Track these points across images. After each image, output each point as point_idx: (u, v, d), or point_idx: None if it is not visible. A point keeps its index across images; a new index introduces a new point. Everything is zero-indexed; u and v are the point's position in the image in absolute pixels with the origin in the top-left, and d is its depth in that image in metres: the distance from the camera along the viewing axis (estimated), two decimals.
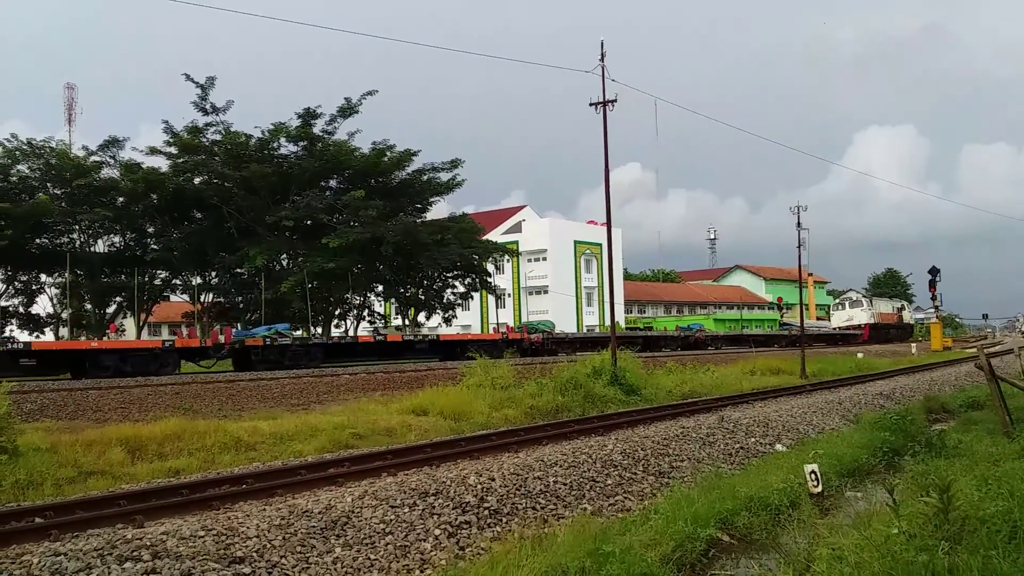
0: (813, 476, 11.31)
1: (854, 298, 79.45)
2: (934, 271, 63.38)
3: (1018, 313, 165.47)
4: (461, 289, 48.21)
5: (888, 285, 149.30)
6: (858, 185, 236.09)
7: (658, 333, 57.10)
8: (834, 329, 72.33)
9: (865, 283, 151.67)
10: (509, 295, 76.51)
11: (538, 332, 47.85)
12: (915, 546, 6.10)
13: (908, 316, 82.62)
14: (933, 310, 67.34)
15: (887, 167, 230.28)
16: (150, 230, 41.87)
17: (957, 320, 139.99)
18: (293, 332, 33.30)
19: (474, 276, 47.54)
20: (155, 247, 41.41)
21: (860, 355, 45.89)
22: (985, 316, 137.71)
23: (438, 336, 38.77)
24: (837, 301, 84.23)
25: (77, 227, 39.33)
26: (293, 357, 29.94)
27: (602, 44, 25.67)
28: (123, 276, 39.94)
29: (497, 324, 54.65)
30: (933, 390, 28.11)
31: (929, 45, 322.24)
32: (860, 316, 74.07)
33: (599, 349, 30.90)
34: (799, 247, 38.05)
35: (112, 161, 39.87)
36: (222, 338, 29.00)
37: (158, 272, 42.78)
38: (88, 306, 41.51)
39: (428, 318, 47.93)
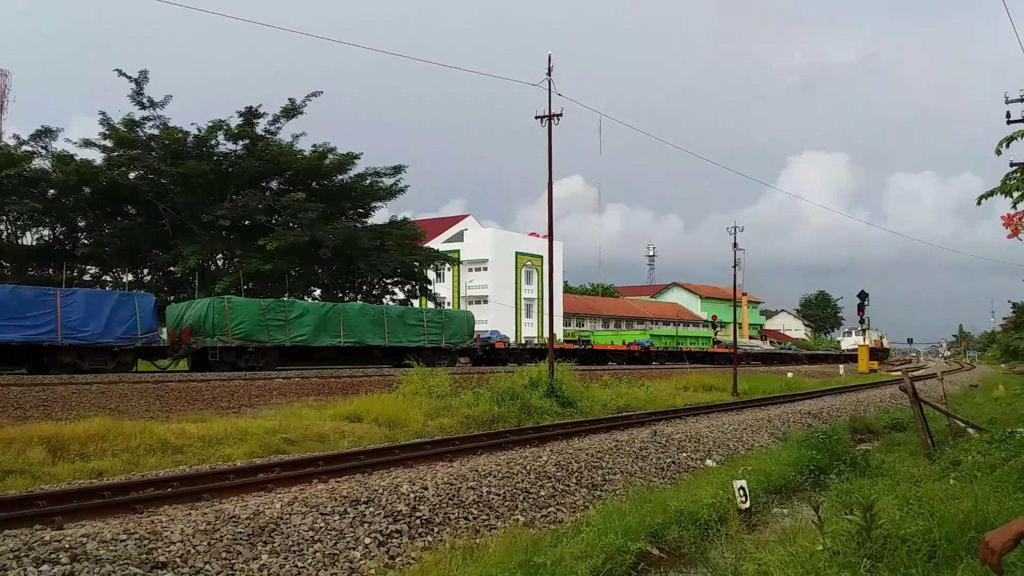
0: (742, 492, 11.46)
1: (859, 329, 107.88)
2: (863, 295, 64.99)
3: (941, 339, 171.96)
4: (401, 296, 47.93)
5: (819, 307, 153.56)
6: (790, 208, 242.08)
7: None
8: (846, 351, 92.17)
9: (797, 304, 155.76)
10: (449, 304, 76.35)
11: (741, 348, 56.42)
12: (838, 563, 6.23)
13: (886, 342, 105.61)
14: (861, 333, 69.37)
15: (819, 191, 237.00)
16: (81, 224, 40.82)
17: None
18: None
19: (414, 283, 47.33)
20: (86, 242, 40.40)
21: (790, 374, 46.84)
22: (910, 340, 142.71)
23: None
24: (847, 330, 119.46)
25: (5, 218, 38.14)
26: None
27: (549, 58, 25.83)
28: (50, 270, 38.74)
29: None
30: (859, 411, 28.77)
31: (865, 76, 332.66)
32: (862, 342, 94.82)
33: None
34: (735, 267, 38.43)
35: (44, 152, 38.76)
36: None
37: (88, 268, 41.66)
38: None
39: None
